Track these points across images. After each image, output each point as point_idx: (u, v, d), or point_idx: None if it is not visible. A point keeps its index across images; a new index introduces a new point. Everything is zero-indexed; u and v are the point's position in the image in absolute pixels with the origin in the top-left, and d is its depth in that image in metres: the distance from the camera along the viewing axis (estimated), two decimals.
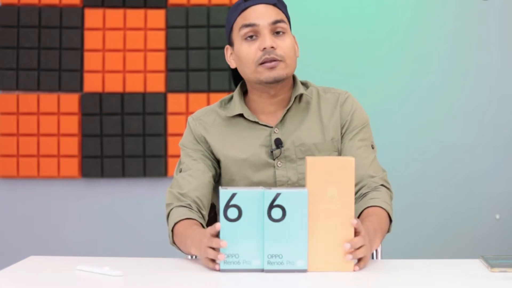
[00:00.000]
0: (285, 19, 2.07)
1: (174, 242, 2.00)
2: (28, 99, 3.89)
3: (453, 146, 3.91)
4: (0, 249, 3.90)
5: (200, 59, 3.91)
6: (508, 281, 1.65)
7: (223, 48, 3.90)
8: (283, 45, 2.03)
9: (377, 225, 1.94)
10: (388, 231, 2.05)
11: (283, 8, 2.09)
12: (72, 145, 3.89)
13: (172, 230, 1.99)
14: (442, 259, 1.91)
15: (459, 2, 3.91)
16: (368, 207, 2.02)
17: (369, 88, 3.87)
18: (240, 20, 2.05)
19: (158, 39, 3.92)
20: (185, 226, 1.97)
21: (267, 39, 2.01)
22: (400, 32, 3.92)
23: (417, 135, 3.91)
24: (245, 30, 2.03)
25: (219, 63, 3.91)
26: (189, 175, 2.07)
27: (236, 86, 2.17)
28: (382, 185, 2.06)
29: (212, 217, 2.24)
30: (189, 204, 2.03)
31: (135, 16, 3.92)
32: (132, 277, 1.71)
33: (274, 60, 2.01)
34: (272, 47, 2.00)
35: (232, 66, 2.11)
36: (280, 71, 2.02)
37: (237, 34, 2.05)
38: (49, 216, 3.92)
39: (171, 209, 2.04)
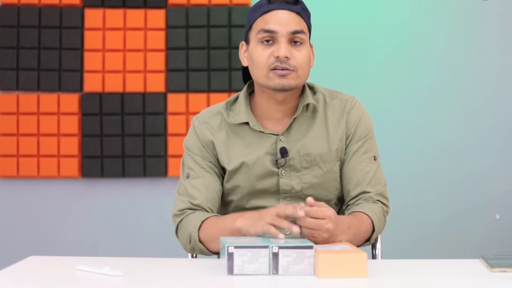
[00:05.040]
0: (306, 30, 2.03)
1: (199, 240, 1.97)
2: (28, 99, 3.89)
3: (453, 146, 3.91)
4: (0, 249, 3.89)
5: (200, 59, 3.91)
6: (508, 281, 1.65)
7: (223, 48, 3.95)
8: (298, 56, 2.00)
9: (353, 224, 1.94)
10: (369, 240, 2.04)
11: (306, 17, 2.04)
12: (72, 145, 3.89)
13: (199, 229, 1.98)
14: (442, 259, 1.91)
15: (459, 2, 3.91)
16: (353, 212, 2.04)
17: (369, 88, 3.87)
18: (260, 23, 2.01)
19: (158, 39, 3.92)
20: (218, 218, 1.99)
21: (283, 48, 1.97)
22: (400, 31, 3.92)
23: (417, 135, 3.91)
24: (263, 34, 2.00)
25: (219, 63, 3.90)
26: (200, 184, 2.06)
27: (245, 82, 2.14)
28: (378, 200, 2.07)
29: None
30: (204, 210, 2.04)
31: (135, 16, 3.92)
32: (132, 277, 1.71)
33: (286, 69, 1.98)
34: (286, 57, 1.98)
35: (244, 64, 2.08)
36: (290, 81, 1.99)
37: (254, 35, 2.02)
38: (49, 216, 3.92)
39: (184, 216, 2.03)
